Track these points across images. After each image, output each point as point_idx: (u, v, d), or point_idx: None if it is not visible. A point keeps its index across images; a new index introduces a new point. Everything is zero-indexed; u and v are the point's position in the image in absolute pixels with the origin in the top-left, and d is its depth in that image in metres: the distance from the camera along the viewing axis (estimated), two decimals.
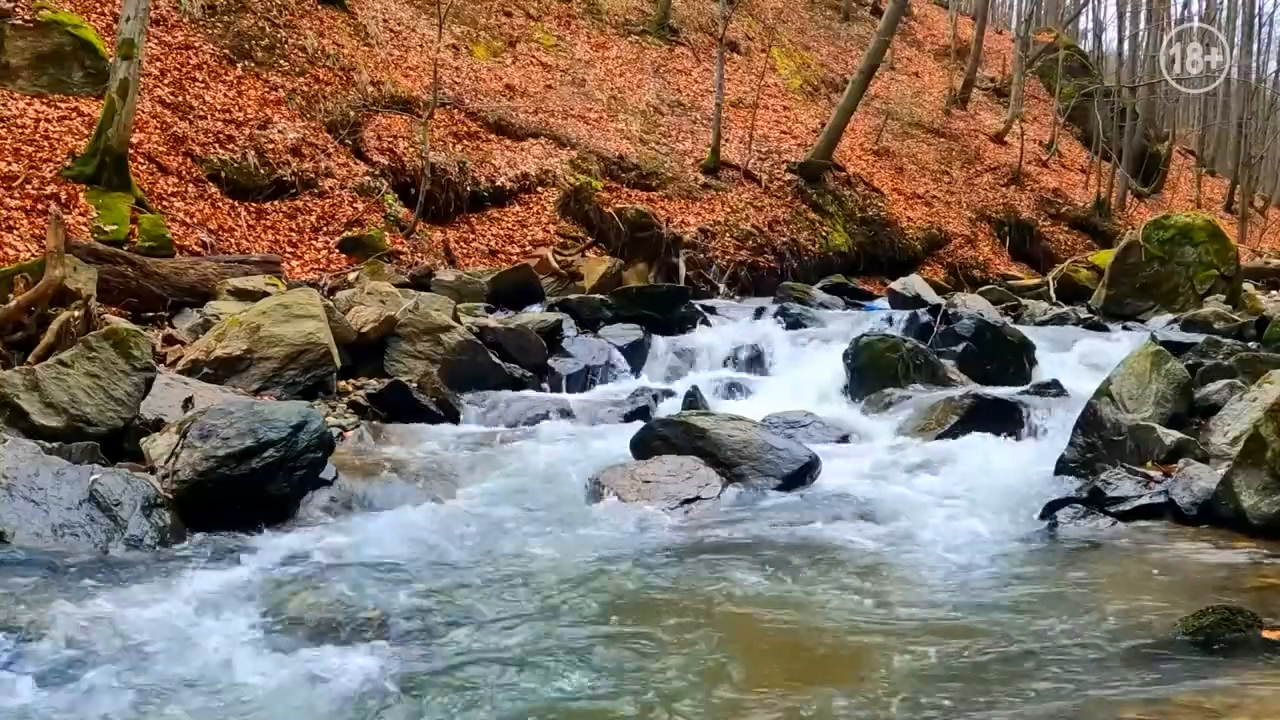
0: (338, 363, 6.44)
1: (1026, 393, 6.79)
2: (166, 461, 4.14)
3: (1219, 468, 4.34)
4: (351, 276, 9.82)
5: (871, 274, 16.78)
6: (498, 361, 7.29)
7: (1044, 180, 22.79)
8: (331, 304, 7.23)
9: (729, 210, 15.91)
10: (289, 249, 10.94)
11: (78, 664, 2.76)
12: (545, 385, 7.47)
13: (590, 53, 18.83)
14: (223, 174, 11.08)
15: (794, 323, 9.75)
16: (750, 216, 15.99)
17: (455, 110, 14.87)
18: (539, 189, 14.50)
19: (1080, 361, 8.19)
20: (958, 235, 19.23)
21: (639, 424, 5.66)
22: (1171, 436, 4.89)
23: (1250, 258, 19.55)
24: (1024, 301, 12.26)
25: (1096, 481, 4.51)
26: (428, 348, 7.10)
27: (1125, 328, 10.52)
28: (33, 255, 7.67)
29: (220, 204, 10.76)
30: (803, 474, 4.96)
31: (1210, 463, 4.59)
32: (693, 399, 6.64)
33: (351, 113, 13.36)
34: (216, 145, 11.30)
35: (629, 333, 8.56)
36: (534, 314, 8.89)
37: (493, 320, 8.35)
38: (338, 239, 11.46)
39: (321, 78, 13.58)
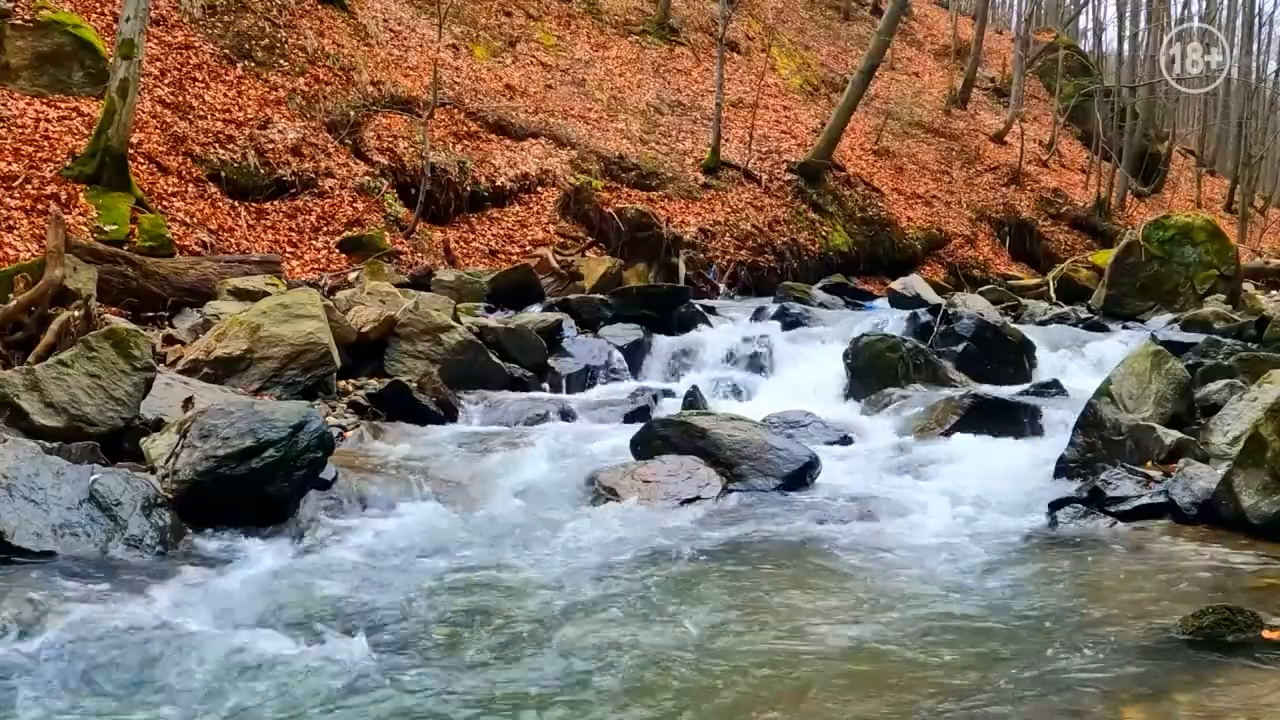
0: (338, 363, 6.44)
1: (1026, 393, 6.79)
2: (166, 461, 4.14)
3: (1219, 468, 4.34)
4: (351, 276, 9.82)
5: (871, 274, 16.79)
6: (498, 361, 7.28)
7: (1044, 180, 22.80)
8: (331, 304, 7.22)
9: (729, 210, 15.91)
10: (289, 249, 10.94)
11: (77, 664, 2.76)
12: (545, 385, 7.47)
13: (590, 53, 18.82)
14: (223, 174, 11.08)
15: (794, 323, 9.75)
16: (750, 216, 15.99)
17: (455, 110, 14.87)
18: (539, 189, 14.51)
19: (1080, 361, 8.18)
20: (958, 235, 19.23)
21: (639, 424, 5.65)
22: (1171, 436, 4.88)
23: (1250, 258, 19.52)
24: (1024, 301, 12.26)
25: (1097, 481, 4.51)
26: (428, 348, 7.10)
27: (1125, 328, 10.52)
28: (33, 255, 7.67)
29: (220, 204, 10.76)
30: (803, 474, 4.95)
31: (1210, 463, 4.59)
32: (693, 399, 6.63)
33: (351, 113, 13.37)
34: (216, 145, 11.30)
35: (629, 333, 8.55)
36: (534, 314, 8.88)
37: (493, 320, 8.35)
38: (338, 239, 11.46)
39: (321, 78, 13.58)
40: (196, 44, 12.52)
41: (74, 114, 10.03)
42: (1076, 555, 3.87)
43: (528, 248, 13.30)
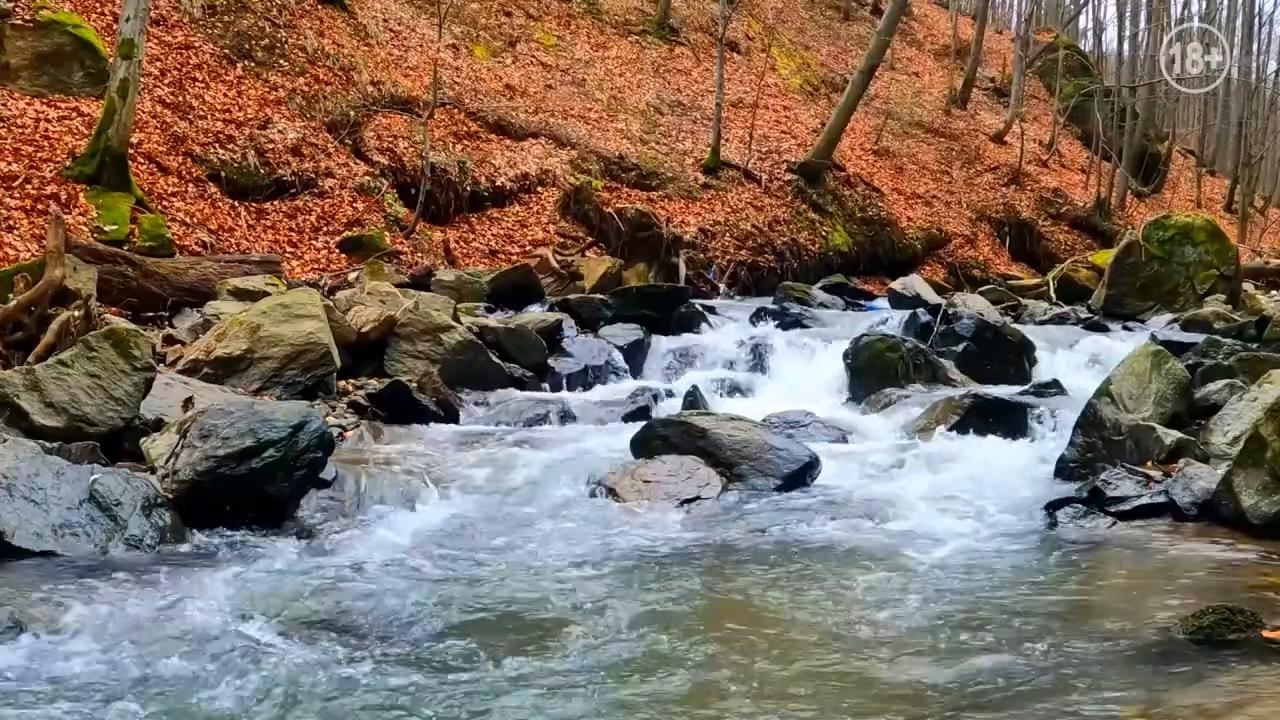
0: (338, 363, 6.44)
1: (1026, 393, 6.79)
2: (166, 461, 4.14)
3: (1219, 468, 4.34)
4: (351, 276, 9.82)
5: (871, 274, 16.78)
6: (498, 361, 7.29)
7: (1044, 180, 22.79)
8: (331, 304, 7.22)
9: (729, 210, 15.91)
10: (289, 249, 10.94)
11: (77, 664, 2.76)
12: (545, 385, 7.47)
13: (590, 53, 18.82)
14: (223, 174, 11.08)
15: (794, 323, 9.75)
16: (750, 216, 15.99)
17: (455, 110, 14.87)
18: (539, 189, 14.50)
19: (1080, 361, 8.19)
20: (958, 235, 19.23)
21: (639, 424, 5.65)
22: (1171, 436, 4.89)
23: (1250, 258, 19.50)
24: (1024, 301, 12.25)
25: (1096, 481, 4.51)
26: (428, 348, 7.10)
27: (1125, 328, 10.52)
28: (33, 255, 7.67)
29: (220, 204, 10.76)
30: (803, 474, 4.96)
31: (1210, 463, 4.59)
32: (693, 399, 6.64)
33: (351, 113, 13.36)
34: (216, 145, 11.30)
35: (629, 333, 8.55)
36: (534, 314, 8.88)
37: (493, 320, 8.35)
38: (338, 239, 11.46)
39: (321, 78, 13.57)
40: (196, 44, 12.52)
41: (74, 114, 10.02)
42: (1076, 555, 3.87)
43: (528, 248, 13.29)
